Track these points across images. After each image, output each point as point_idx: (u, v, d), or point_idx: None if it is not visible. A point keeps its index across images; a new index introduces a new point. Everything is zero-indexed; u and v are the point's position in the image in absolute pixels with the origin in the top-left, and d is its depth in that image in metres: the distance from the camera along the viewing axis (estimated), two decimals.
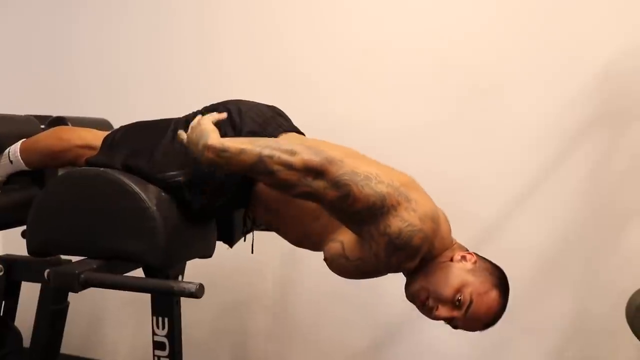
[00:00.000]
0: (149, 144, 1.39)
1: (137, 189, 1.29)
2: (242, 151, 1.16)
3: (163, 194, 1.32)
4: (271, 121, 1.41)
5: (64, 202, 1.34)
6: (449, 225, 1.34)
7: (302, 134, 1.48)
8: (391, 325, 2.20)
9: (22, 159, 1.53)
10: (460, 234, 1.92)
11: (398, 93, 2.11)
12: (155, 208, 1.27)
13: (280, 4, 2.26)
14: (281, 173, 1.15)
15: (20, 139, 1.57)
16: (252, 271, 2.30)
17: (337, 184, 1.15)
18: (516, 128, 1.99)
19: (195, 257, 1.43)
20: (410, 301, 1.31)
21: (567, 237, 1.97)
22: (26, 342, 1.88)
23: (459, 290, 1.23)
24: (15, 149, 1.54)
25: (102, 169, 1.34)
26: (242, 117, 1.37)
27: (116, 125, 1.96)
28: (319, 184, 1.15)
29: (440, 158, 2.07)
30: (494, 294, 1.25)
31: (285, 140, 1.29)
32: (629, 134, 1.88)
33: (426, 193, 1.28)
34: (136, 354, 2.57)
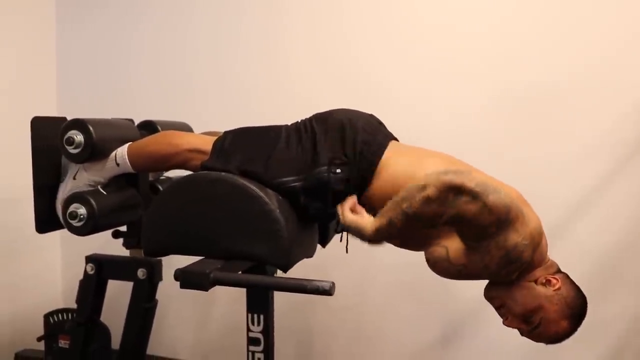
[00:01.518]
0: (263, 150, 1.45)
1: (260, 192, 1.35)
2: (390, 222, 1.27)
3: (280, 197, 1.39)
4: (378, 130, 1.49)
5: (184, 204, 1.40)
6: (547, 242, 1.37)
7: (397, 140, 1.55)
8: (458, 322, 2.27)
9: (129, 162, 1.59)
10: None
11: (462, 105, 2.20)
12: (278, 211, 1.34)
13: (348, 6, 2.33)
14: (425, 210, 1.22)
15: (123, 143, 1.64)
16: (320, 268, 2.36)
17: (475, 195, 1.19)
18: (578, 138, 2.07)
19: (303, 257, 1.49)
20: (486, 300, 1.39)
21: (620, 240, 2.05)
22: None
23: (531, 312, 1.30)
24: (122, 152, 1.60)
25: (222, 173, 1.40)
26: (353, 128, 1.43)
27: (196, 129, 2.03)
28: (460, 200, 1.20)
29: (496, 162, 2.13)
30: (563, 325, 1.31)
31: (412, 182, 1.29)
32: None
33: (531, 207, 1.33)
34: (196, 351, 2.63)
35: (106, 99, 2.67)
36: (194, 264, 1.35)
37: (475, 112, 2.18)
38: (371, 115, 1.54)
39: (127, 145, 1.61)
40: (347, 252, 1.68)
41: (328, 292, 1.21)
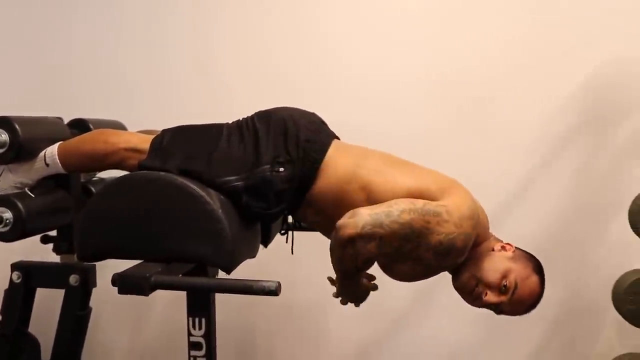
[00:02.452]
0: (203, 148, 1.41)
1: (201, 191, 1.31)
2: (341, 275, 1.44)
3: (222, 197, 1.35)
4: (321, 129, 1.49)
5: (121, 206, 1.33)
6: (487, 217, 1.48)
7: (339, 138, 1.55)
8: (395, 317, 2.32)
9: (60, 161, 1.50)
10: None
11: (400, 102, 2.24)
12: (220, 210, 1.30)
13: (282, 10, 2.31)
14: (346, 264, 1.35)
15: (53, 142, 1.55)
16: (257, 270, 2.33)
17: (366, 237, 1.27)
18: (509, 133, 2.17)
19: (247, 257, 1.46)
20: (459, 291, 1.44)
21: (556, 230, 2.17)
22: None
23: (504, 275, 1.37)
24: (52, 151, 1.50)
25: (161, 172, 1.35)
26: (296, 125, 1.42)
27: (129, 127, 1.96)
28: (359, 247, 1.29)
29: (440, 161, 2.20)
30: (535, 279, 1.41)
31: (354, 182, 1.39)
32: (610, 137, 2.10)
33: (463, 191, 1.40)
34: (132, 357, 2.53)
35: (31, 95, 2.50)
36: (132, 267, 1.29)
37: (411, 108, 2.23)
38: (313, 114, 1.53)
39: (57, 144, 1.52)
40: (292, 253, 1.67)
41: (274, 292, 1.19)
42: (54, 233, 1.76)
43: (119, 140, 1.47)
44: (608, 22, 2.07)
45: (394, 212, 1.28)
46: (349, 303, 1.58)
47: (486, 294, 1.38)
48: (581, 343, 2.20)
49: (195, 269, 1.47)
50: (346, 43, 2.26)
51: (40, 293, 1.74)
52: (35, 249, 1.81)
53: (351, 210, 1.31)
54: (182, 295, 1.54)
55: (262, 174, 1.36)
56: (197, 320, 1.58)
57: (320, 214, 1.44)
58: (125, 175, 1.38)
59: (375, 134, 2.18)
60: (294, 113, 1.47)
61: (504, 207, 2.19)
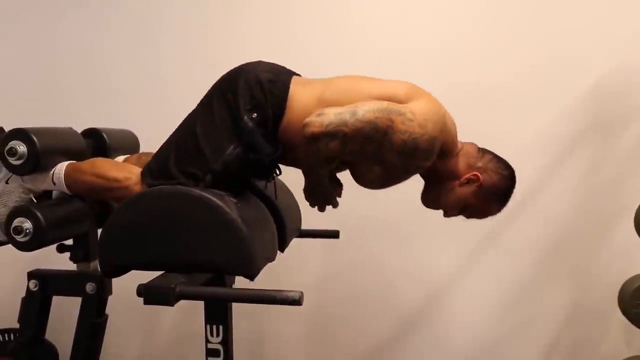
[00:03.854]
0: (188, 145, 1.43)
1: (219, 202, 1.32)
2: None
3: (239, 205, 1.37)
4: (279, 70, 1.49)
5: (142, 220, 1.34)
6: (455, 126, 1.50)
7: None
8: (405, 321, 2.35)
9: (65, 185, 1.53)
10: (466, 233, 2.18)
11: None
12: (240, 220, 1.32)
13: (280, 17, 2.34)
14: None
15: (68, 155, 1.57)
16: (266, 274, 2.35)
17: (330, 135, 1.30)
18: (516, 136, 2.19)
19: (267, 262, 1.48)
20: (425, 204, 1.57)
21: (563, 235, 2.20)
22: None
23: (464, 208, 1.51)
24: (60, 173, 1.53)
25: (178, 186, 1.36)
26: (254, 72, 1.44)
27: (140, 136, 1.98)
28: (323, 145, 1.31)
29: None
30: (494, 207, 1.51)
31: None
32: (616, 143, 2.14)
33: (431, 98, 1.42)
34: None
35: (34, 104, 2.51)
36: (156, 279, 1.30)
37: None
38: (269, 62, 1.53)
39: (65, 165, 1.55)
40: (275, 197, 1.69)
41: (298, 301, 1.21)
42: (69, 241, 1.78)
43: (119, 176, 1.48)
44: (615, 30, 2.11)
45: (358, 111, 1.30)
46: (317, 208, 1.59)
47: (447, 214, 1.54)
48: (588, 345, 2.24)
49: (214, 277, 1.49)
50: (353, 49, 2.28)
51: (54, 300, 1.76)
52: (46, 257, 1.82)
53: (318, 109, 1.34)
54: (193, 301, 1.57)
55: (245, 126, 1.39)
56: (214, 327, 1.59)
57: (297, 148, 1.43)
58: (144, 191, 1.39)
59: None
60: (249, 64, 1.48)
61: (511, 211, 2.19)
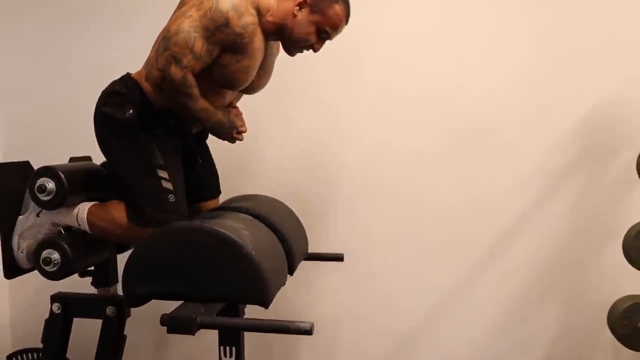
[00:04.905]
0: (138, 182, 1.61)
1: (234, 237, 1.41)
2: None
3: (252, 237, 1.48)
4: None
5: (163, 254, 1.44)
6: None
7: None
8: (406, 336, 2.45)
9: (89, 229, 1.66)
10: (462, 256, 2.37)
11: (411, 130, 2.37)
12: (254, 252, 1.42)
13: None
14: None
15: (92, 190, 1.69)
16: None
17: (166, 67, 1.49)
18: (512, 165, 2.31)
19: (279, 288, 1.58)
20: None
21: (555, 257, 2.32)
22: None
23: (319, 32, 1.62)
24: (83, 215, 1.66)
25: (196, 222, 1.47)
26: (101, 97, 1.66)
27: None
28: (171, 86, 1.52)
29: (445, 188, 2.35)
30: (339, 9, 1.60)
31: None
32: (605, 170, 2.25)
33: None
34: None
35: (50, 128, 2.58)
36: (178, 309, 1.40)
37: (424, 142, 2.37)
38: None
39: (87, 209, 1.66)
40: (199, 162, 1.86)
41: (309, 332, 1.32)
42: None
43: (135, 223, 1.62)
44: (606, 65, 2.21)
45: (170, 34, 1.46)
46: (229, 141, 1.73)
47: (315, 47, 1.66)
48: None
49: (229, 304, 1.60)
50: (356, 74, 2.38)
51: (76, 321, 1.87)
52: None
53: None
54: None
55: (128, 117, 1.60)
56: (227, 348, 1.70)
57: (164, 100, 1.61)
58: (165, 227, 1.48)
59: (392, 151, 2.37)
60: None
61: (506, 234, 2.33)
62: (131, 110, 1.57)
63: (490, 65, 2.29)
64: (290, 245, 1.79)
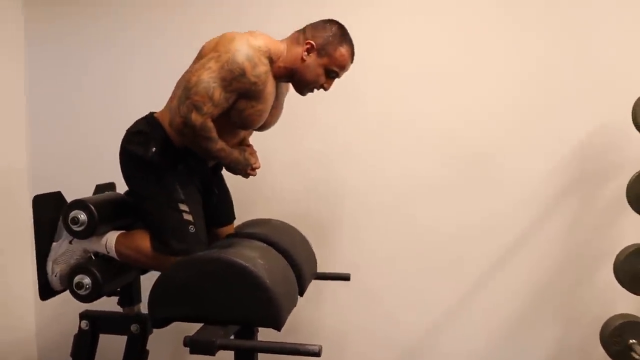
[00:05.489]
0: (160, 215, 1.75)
1: (251, 267, 1.55)
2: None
3: (267, 266, 1.62)
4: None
5: (187, 281, 1.58)
6: (274, 41, 1.75)
7: None
8: (407, 349, 2.59)
9: (117, 257, 1.81)
10: (462, 275, 2.49)
11: (414, 155, 2.51)
12: (268, 281, 1.56)
13: None
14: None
15: (119, 216, 1.84)
16: None
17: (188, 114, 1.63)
18: (509, 189, 2.44)
19: (290, 311, 1.71)
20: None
21: (549, 278, 2.45)
22: None
23: (327, 73, 1.76)
24: (111, 245, 1.81)
25: (215, 252, 1.61)
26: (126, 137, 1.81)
27: None
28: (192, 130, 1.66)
29: (445, 210, 2.49)
30: (344, 51, 1.74)
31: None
32: (598, 195, 2.38)
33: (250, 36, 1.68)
34: None
35: (77, 157, 2.75)
36: (199, 331, 1.55)
37: (421, 159, 2.50)
38: None
39: (115, 238, 1.81)
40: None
41: (317, 354, 1.46)
42: None
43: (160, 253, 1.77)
44: (598, 97, 2.35)
45: (191, 84, 1.61)
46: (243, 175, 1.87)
47: (325, 86, 1.80)
48: None
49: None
50: (362, 104, 2.52)
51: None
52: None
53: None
54: None
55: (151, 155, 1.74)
56: None
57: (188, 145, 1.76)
58: (187, 257, 1.64)
59: (396, 176, 2.50)
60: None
61: (504, 255, 2.46)
62: (154, 149, 1.72)
63: (489, 97, 2.43)
64: (301, 268, 1.92)
